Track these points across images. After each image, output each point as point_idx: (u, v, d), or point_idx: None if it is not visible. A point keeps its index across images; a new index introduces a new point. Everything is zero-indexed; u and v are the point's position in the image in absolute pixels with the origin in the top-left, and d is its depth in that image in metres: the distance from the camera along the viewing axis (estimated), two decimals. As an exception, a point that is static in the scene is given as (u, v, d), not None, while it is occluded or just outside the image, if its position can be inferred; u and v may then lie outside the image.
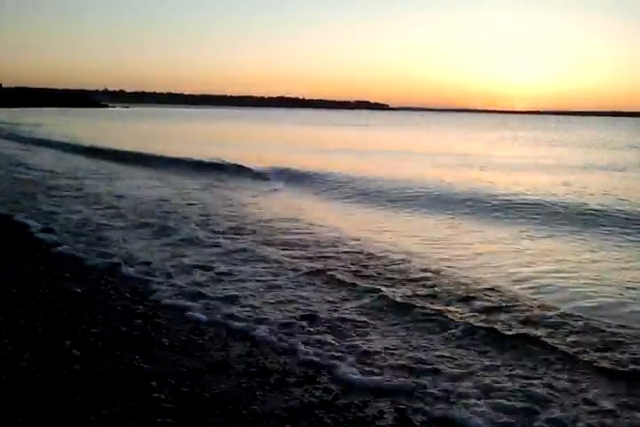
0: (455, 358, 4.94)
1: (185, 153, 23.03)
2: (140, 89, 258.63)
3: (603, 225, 10.92)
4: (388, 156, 27.12)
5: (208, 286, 6.84)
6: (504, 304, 6.27)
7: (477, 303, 6.30)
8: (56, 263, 7.64)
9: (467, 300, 6.42)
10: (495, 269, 7.83)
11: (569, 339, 5.33)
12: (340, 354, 4.96)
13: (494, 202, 13.19)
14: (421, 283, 7.03)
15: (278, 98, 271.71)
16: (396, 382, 4.47)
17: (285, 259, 8.09)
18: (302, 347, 5.09)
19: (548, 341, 5.26)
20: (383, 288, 6.73)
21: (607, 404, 4.22)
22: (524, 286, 7.04)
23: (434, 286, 6.94)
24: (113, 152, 24.72)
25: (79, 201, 12.67)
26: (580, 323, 5.72)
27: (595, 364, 4.82)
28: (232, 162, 20.45)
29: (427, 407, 4.12)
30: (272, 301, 6.36)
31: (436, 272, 7.49)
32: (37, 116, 63.10)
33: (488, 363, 4.86)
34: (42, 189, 14.22)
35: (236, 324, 5.65)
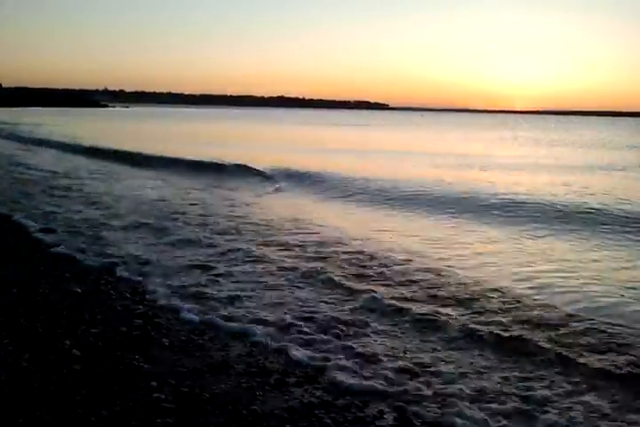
0: (453, 361, 4.92)
1: (185, 153, 23.00)
2: (139, 89, 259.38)
3: (603, 225, 10.92)
4: (388, 156, 27.10)
5: (208, 286, 6.84)
6: (504, 305, 6.26)
7: (477, 304, 6.30)
8: (56, 263, 7.64)
9: (466, 300, 6.42)
10: (495, 268, 7.83)
11: (568, 340, 5.31)
12: (338, 355, 4.94)
13: (494, 202, 13.18)
14: (421, 283, 7.03)
15: (278, 98, 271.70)
16: (393, 384, 4.44)
17: (285, 259, 8.08)
18: (301, 348, 5.08)
19: (547, 342, 5.23)
20: (383, 289, 6.74)
21: (606, 407, 4.19)
22: (524, 285, 7.04)
23: (434, 286, 6.94)
24: (113, 152, 24.71)
25: (79, 201, 12.67)
26: (580, 323, 5.71)
27: (594, 366, 4.79)
28: (232, 162, 20.44)
29: (423, 411, 4.08)
30: (271, 301, 6.36)
31: (436, 272, 7.49)
32: (37, 116, 63.14)
33: (486, 365, 4.84)
34: (42, 189, 14.22)
35: (236, 324, 5.64)
